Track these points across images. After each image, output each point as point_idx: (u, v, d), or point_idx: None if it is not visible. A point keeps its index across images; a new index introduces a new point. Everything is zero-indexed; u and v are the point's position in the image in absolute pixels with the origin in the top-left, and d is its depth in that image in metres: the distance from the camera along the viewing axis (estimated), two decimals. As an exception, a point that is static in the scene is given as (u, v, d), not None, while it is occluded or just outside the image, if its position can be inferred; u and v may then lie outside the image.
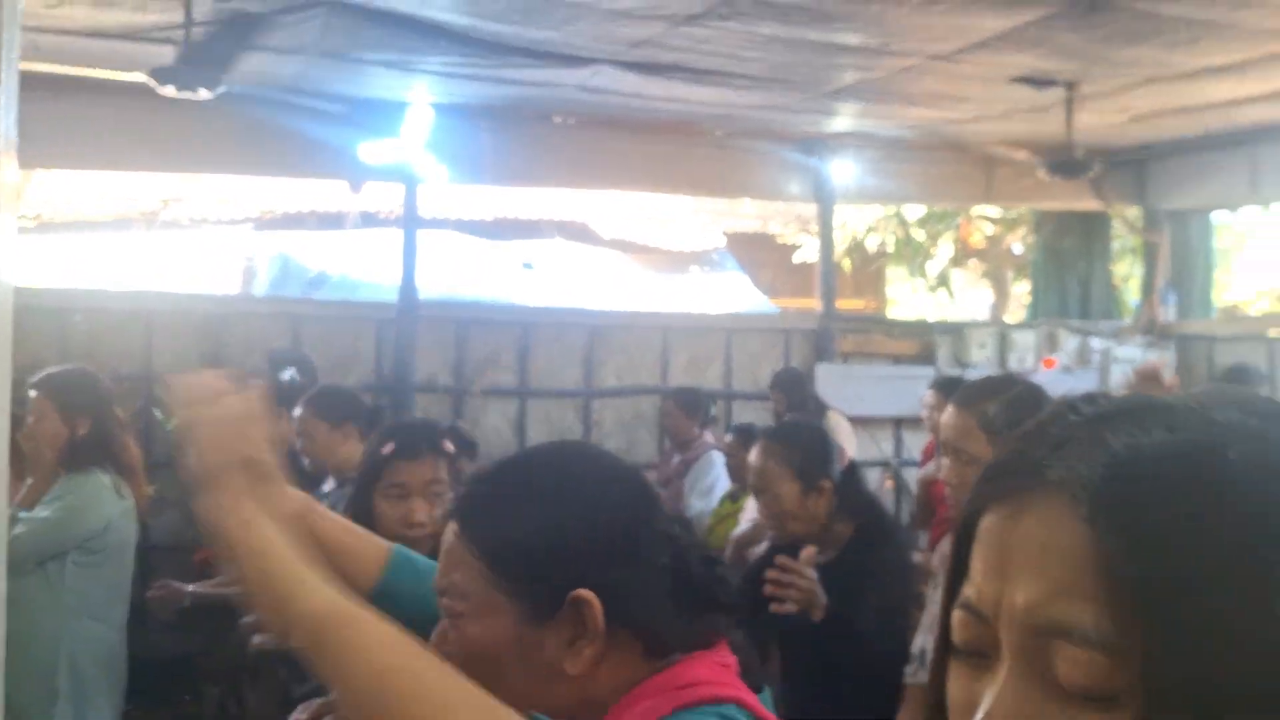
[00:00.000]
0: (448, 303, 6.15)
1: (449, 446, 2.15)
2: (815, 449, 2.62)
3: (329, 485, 3.06)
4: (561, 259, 8.09)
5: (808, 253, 8.85)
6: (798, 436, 2.69)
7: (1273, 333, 6.62)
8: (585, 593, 0.99)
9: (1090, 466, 0.50)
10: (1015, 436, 0.56)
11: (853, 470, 2.79)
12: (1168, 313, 6.71)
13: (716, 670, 1.02)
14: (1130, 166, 6.64)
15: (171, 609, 3.34)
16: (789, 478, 2.52)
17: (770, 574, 2.26)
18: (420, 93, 5.14)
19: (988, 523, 0.54)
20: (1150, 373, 2.69)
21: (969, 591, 0.54)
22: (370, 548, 1.33)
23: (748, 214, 9.21)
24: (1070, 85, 4.59)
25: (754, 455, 2.65)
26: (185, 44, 3.54)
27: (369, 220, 7.76)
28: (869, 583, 2.34)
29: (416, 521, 1.95)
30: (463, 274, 6.83)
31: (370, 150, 5.30)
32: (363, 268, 6.88)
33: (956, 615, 0.55)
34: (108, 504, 2.90)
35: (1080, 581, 0.49)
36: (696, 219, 9.13)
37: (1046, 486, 0.51)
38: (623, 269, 8.53)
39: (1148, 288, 6.90)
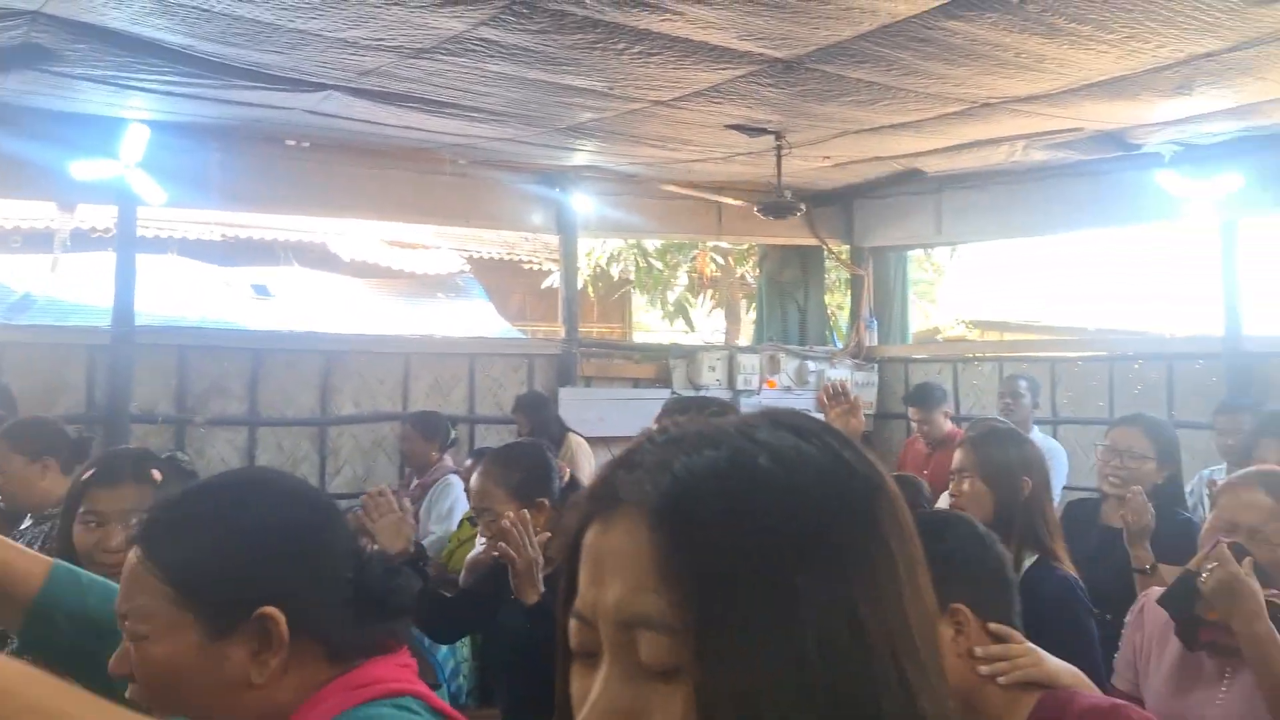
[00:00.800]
0: (169, 328, 5.84)
1: (156, 475, 2.10)
2: (533, 469, 2.75)
3: (27, 522, 2.87)
4: (298, 283, 7.86)
5: (556, 279, 9.10)
6: (516, 457, 2.82)
7: (968, 354, 7.47)
8: (271, 609, 1.07)
9: (655, 484, 0.61)
10: (605, 465, 0.68)
11: (573, 488, 2.94)
12: (871, 338, 7.44)
13: (395, 670, 1.13)
14: (838, 207, 7.33)
15: None
16: (506, 497, 2.64)
17: (504, 521, 2.40)
18: (137, 110, 4.89)
19: (587, 540, 0.63)
20: (834, 390, 3.03)
21: (578, 601, 0.63)
22: (30, 562, 1.33)
23: (495, 240, 9.31)
24: (778, 134, 5.04)
25: (474, 477, 2.76)
26: None
27: (81, 241, 7.22)
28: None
29: (110, 549, 1.90)
30: (187, 298, 6.50)
31: (82, 168, 4.99)
32: (74, 291, 6.41)
33: (570, 624, 0.64)
34: None
35: (650, 579, 0.59)
36: (442, 244, 9.13)
37: (624, 504, 0.62)
38: (363, 294, 8.39)
39: (854, 316, 7.63)
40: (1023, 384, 5.50)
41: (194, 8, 3.34)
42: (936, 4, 3.30)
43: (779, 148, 5.18)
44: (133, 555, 1.11)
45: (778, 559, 0.59)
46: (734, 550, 0.59)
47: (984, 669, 1.45)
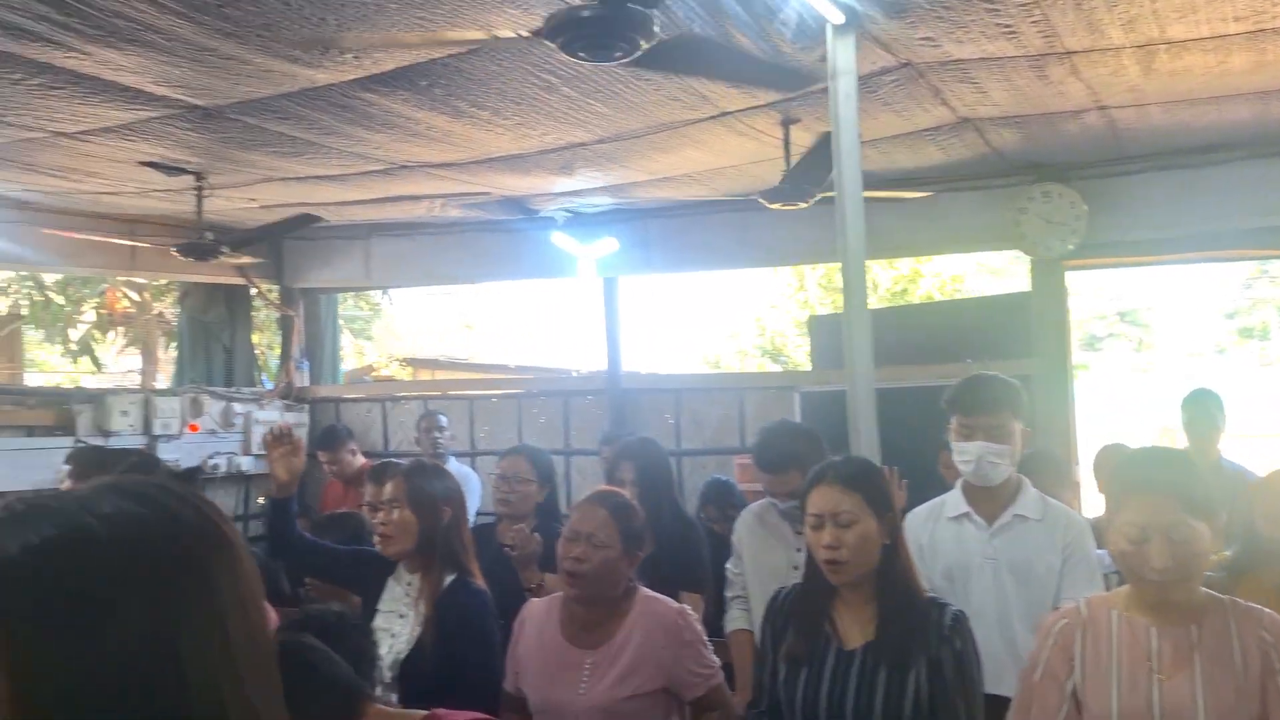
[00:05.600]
0: None
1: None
2: None
3: None
4: None
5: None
6: None
7: (397, 394, 7.82)
8: None
9: None
10: None
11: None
12: (302, 379, 7.49)
13: None
14: (268, 247, 7.26)
15: None
16: None
17: None
18: None
19: None
20: (277, 433, 3.18)
21: None
22: None
23: None
24: (199, 175, 4.93)
25: None
26: None
27: None
28: None
29: None
30: None
31: None
32: None
33: None
34: None
35: None
36: None
37: None
38: None
39: (285, 357, 7.61)
40: (443, 419, 6.01)
41: None
42: (353, 77, 3.58)
43: (200, 188, 5.06)
44: None
45: (91, 607, 0.69)
46: (42, 605, 0.69)
47: None
